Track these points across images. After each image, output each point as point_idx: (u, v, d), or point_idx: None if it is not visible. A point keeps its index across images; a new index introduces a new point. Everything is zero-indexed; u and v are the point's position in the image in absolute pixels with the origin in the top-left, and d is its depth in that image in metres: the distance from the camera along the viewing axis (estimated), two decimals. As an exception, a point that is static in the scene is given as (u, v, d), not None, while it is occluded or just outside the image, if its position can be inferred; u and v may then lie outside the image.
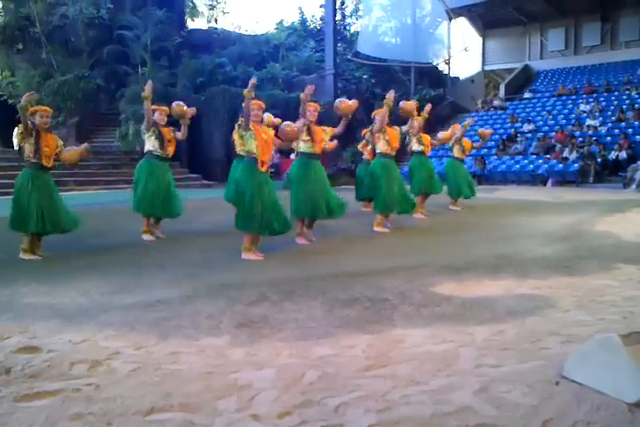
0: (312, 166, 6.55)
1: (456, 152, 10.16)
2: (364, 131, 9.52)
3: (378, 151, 7.56)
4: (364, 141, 9.94)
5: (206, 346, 2.97)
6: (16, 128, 5.86)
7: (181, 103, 7.27)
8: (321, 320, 3.42)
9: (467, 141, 10.25)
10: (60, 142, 6.12)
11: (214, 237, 7.09)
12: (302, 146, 6.58)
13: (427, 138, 9.19)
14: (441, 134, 9.78)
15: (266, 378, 2.51)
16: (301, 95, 6.32)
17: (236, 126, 5.69)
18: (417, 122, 8.58)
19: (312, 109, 6.51)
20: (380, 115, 7.49)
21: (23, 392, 2.37)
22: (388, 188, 7.31)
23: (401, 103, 7.66)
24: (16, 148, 5.93)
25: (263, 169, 5.63)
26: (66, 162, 6.04)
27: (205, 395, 2.33)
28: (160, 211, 6.97)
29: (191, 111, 7.17)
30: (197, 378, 2.52)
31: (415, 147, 9.13)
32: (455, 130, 10.24)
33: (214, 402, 2.27)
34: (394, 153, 7.56)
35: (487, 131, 11.12)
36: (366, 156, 9.79)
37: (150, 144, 6.94)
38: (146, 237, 6.90)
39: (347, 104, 6.73)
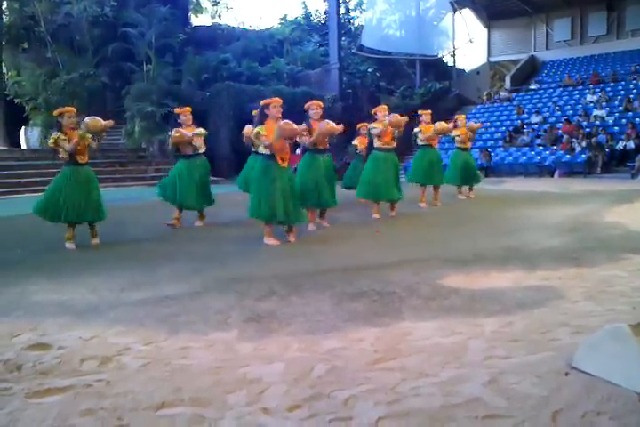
0: (319, 160, 6.91)
1: (458, 142, 10.40)
2: (360, 125, 9.71)
3: (375, 146, 8.10)
4: (358, 138, 10.00)
5: (215, 341, 2.98)
6: (52, 135, 6.24)
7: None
8: (329, 314, 3.42)
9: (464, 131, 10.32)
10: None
11: (221, 231, 7.12)
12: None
13: (429, 129, 9.24)
14: (438, 124, 9.63)
15: (275, 372, 2.52)
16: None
17: (255, 133, 5.93)
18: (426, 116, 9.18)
19: (315, 108, 6.86)
20: (379, 126, 7.89)
21: (34, 389, 2.39)
22: (372, 177, 7.92)
23: (390, 117, 7.89)
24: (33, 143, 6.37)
25: (284, 165, 6.02)
26: (90, 128, 6.08)
27: (215, 389, 2.34)
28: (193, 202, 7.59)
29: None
30: (207, 373, 2.53)
31: (420, 142, 9.42)
32: (459, 121, 10.36)
33: (224, 396, 2.28)
34: (389, 146, 8.03)
35: (476, 124, 11.20)
36: (360, 150, 10.03)
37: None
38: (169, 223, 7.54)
39: (330, 126, 6.75)
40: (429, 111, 9.30)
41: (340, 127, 6.73)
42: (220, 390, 2.33)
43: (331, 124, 6.67)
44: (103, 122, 6.12)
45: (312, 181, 6.79)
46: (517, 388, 2.24)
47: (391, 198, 8.09)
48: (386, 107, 8.29)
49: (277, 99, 6.15)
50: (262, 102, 6.14)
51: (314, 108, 6.85)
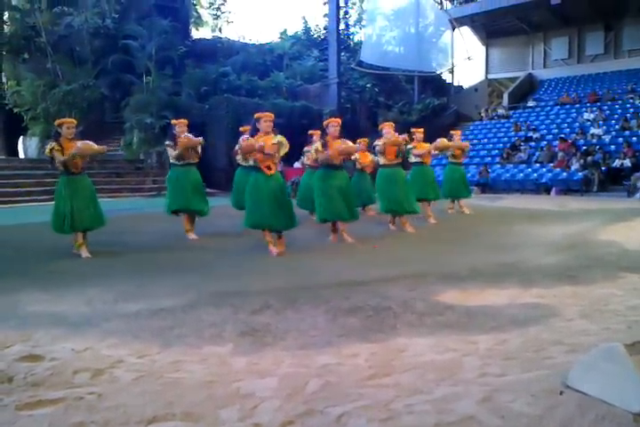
0: (334, 176, 7.05)
1: (450, 157, 10.77)
2: (360, 140, 9.67)
3: (381, 163, 8.33)
4: (359, 153, 9.93)
5: (209, 355, 2.97)
6: (48, 144, 6.38)
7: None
8: (323, 329, 3.41)
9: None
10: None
11: (217, 244, 7.10)
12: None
13: (424, 146, 9.37)
14: (439, 142, 9.81)
15: (268, 387, 2.51)
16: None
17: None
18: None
19: (335, 125, 7.05)
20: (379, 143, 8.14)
21: (25, 401, 2.37)
22: (391, 192, 8.07)
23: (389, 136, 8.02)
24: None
25: (272, 172, 6.20)
26: (80, 152, 6.18)
27: (208, 404, 2.32)
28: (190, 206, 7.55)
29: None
30: (200, 387, 2.51)
31: (413, 159, 9.58)
32: (456, 137, 10.53)
33: (217, 411, 2.26)
34: (395, 162, 8.20)
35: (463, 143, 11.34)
36: (359, 165, 10.13)
37: (172, 158, 7.63)
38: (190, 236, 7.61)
39: (348, 146, 7.00)
40: (422, 129, 9.45)
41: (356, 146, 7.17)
42: (213, 405, 2.31)
43: (348, 144, 6.91)
44: (95, 147, 6.26)
45: (335, 197, 6.95)
46: (512, 406, 2.23)
47: (413, 211, 8.31)
48: (392, 124, 8.40)
49: (269, 113, 6.32)
50: (255, 116, 6.30)
51: (334, 124, 7.04)
